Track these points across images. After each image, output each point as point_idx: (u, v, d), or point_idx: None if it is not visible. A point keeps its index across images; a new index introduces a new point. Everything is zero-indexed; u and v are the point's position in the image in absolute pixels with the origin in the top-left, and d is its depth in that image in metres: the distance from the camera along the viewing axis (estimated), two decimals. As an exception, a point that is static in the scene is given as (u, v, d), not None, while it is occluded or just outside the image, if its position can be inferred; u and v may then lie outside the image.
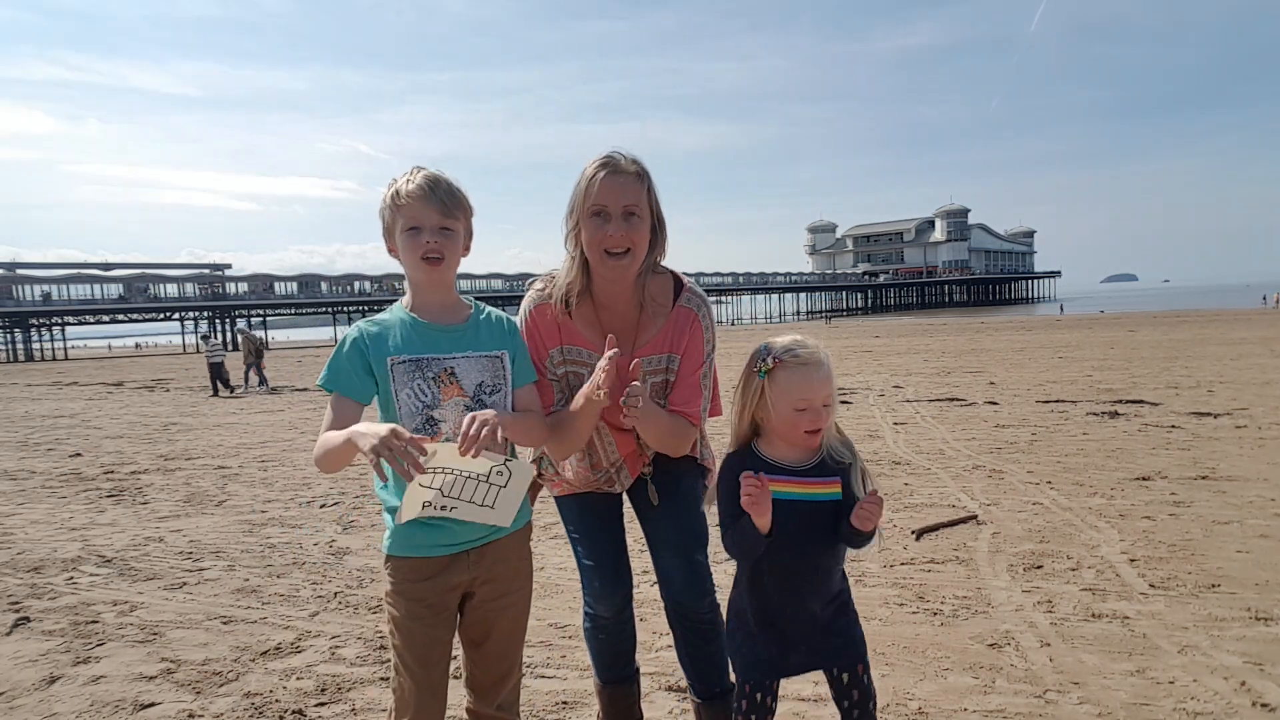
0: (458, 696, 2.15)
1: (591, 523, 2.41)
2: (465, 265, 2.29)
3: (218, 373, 18.88)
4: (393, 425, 1.70)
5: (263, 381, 20.04)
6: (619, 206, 2.09)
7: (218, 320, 71.02)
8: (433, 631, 1.98)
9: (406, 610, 1.96)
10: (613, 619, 2.45)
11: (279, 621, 3.95)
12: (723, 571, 4.27)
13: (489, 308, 2.13)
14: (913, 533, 4.92)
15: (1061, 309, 62.23)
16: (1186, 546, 4.48)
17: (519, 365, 2.09)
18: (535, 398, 2.14)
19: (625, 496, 2.48)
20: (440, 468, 1.82)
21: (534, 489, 2.60)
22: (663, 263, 2.28)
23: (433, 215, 1.92)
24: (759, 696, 2.00)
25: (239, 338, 22.21)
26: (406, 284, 2.07)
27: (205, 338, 22.07)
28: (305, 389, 19.33)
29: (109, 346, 79.20)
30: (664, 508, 2.35)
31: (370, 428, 1.73)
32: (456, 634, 2.08)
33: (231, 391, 18.83)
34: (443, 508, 1.89)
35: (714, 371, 2.37)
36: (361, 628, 3.83)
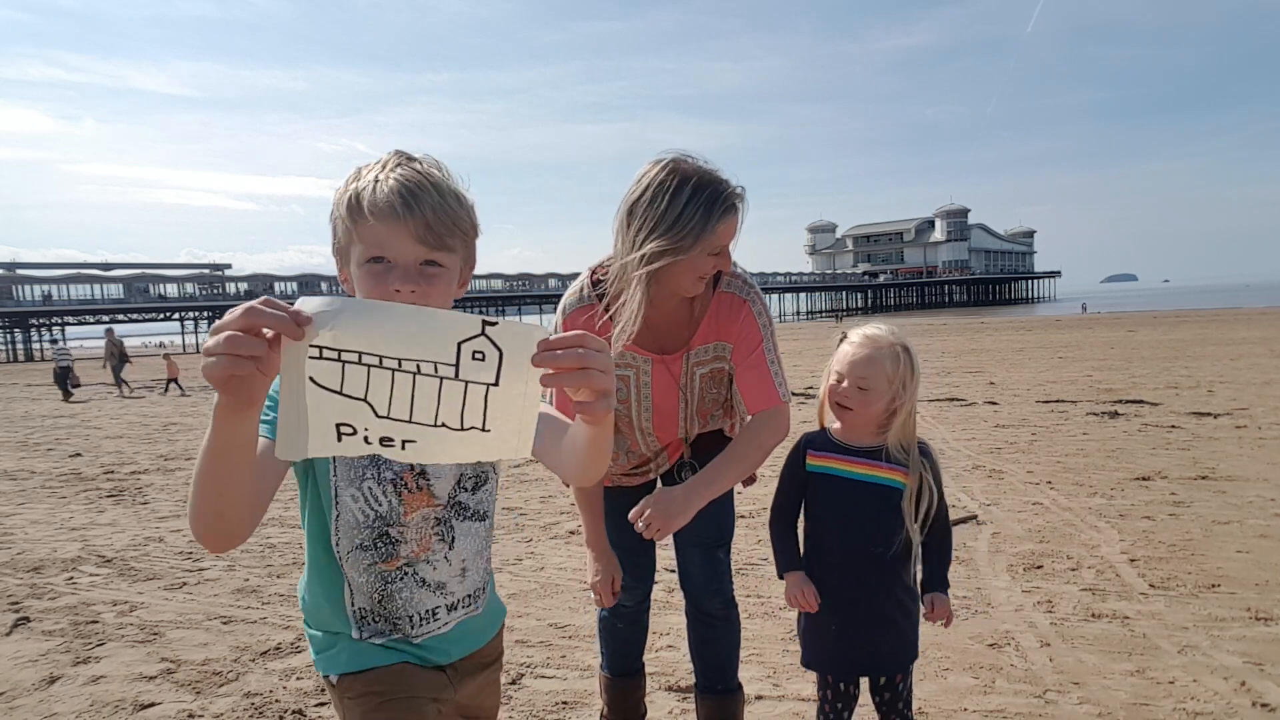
0: None
1: (621, 513, 2.32)
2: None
3: (63, 377, 18.58)
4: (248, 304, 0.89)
5: (122, 384, 19.50)
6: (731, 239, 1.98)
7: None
8: None
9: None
10: (633, 609, 2.45)
11: (279, 621, 3.95)
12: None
13: None
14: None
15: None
16: (1186, 546, 4.48)
17: None
18: (553, 415, 1.33)
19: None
20: (354, 351, 0.88)
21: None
22: None
23: (407, 243, 1.20)
24: (826, 691, 2.08)
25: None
26: None
27: (54, 341, 21.19)
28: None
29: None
30: None
31: None
32: None
33: (70, 397, 18.21)
34: (385, 440, 0.92)
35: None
36: (361, 628, 3.83)
